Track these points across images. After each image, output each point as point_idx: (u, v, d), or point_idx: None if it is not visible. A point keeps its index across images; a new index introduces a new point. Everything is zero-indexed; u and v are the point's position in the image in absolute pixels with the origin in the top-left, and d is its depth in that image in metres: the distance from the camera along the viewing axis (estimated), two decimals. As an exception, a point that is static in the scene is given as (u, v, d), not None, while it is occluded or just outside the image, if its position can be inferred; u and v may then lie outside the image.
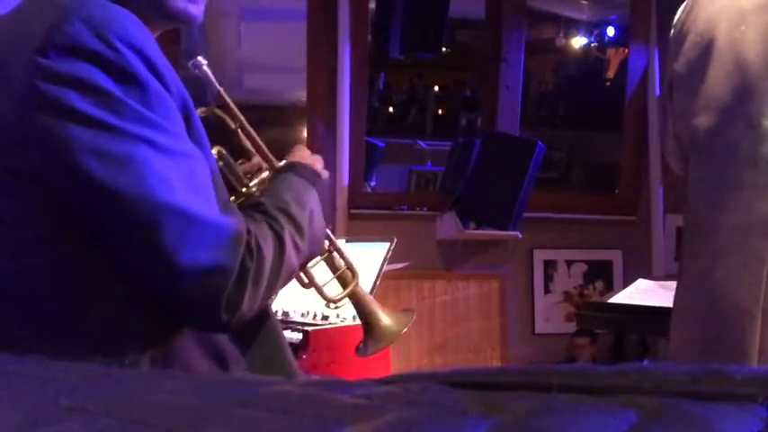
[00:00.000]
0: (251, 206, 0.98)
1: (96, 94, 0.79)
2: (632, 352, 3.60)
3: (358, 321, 2.05)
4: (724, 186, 1.45)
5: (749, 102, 1.42)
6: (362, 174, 3.77)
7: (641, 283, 2.49)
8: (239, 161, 1.16)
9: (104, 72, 0.79)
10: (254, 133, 1.17)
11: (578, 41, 5.29)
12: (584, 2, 5.14)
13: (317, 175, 1.11)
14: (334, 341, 2.01)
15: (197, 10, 0.99)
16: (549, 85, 5.54)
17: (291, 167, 1.09)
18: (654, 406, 0.23)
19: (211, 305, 0.83)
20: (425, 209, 3.78)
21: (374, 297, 2.13)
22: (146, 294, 0.84)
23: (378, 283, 2.10)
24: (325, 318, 2.09)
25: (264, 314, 0.99)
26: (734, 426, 0.21)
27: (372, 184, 4.47)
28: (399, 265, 2.67)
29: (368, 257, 2.11)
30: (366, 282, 2.07)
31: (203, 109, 1.30)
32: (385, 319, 1.22)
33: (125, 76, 0.80)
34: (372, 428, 0.22)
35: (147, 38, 0.84)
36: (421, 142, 5.26)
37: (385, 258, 2.10)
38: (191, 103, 0.89)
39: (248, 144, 1.16)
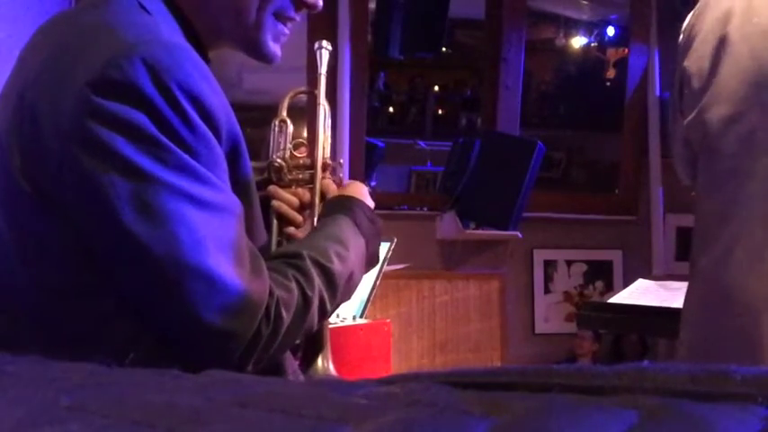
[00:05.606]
0: (290, 255, 0.95)
1: (143, 141, 0.77)
2: (632, 352, 3.60)
3: (358, 321, 2.06)
4: (738, 176, 1.43)
5: (765, 90, 1.42)
6: (362, 174, 3.77)
7: (641, 283, 2.49)
8: (299, 143, 1.18)
9: (155, 120, 0.77)
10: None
11: (578, 41, 5.29)
12: (584, 2, 5.14)
13: (375, 222, 1.07)
14: (334, 341, 2.00)
15: (279, 51, 1.00)
16: (549, 85, 5.54)
17: (349, 208, 1.06)
18: (654, 406, 0.23)
19: (220, 361, 0.83)
20: (425, 209, 3.78)
21: (374, 297, 2.14)
22: (156, 330, 0.84)
23: (378, 283, 2.10)
24: (324, 318, 2.08)
25: (281, 369, 0.97)
26: (734, 426, 0.21)
27: (372, 184, 4.47)
28: (399, 266, 2.67)
29: (368, 257, 2.11)
30: (366, 282, 2.07)
31: (303, 88, 1.34)
32: (321, 360, 1.16)
33: (176, 126, 0.78)
34: (372, 428, 0.22)
35: (207, 82, 0.82)
36: (421, 142, 5.26)
37: (385, 258, 2.10)
38: (240, 136, 0.88)
39: (320, 136, 1.19)
